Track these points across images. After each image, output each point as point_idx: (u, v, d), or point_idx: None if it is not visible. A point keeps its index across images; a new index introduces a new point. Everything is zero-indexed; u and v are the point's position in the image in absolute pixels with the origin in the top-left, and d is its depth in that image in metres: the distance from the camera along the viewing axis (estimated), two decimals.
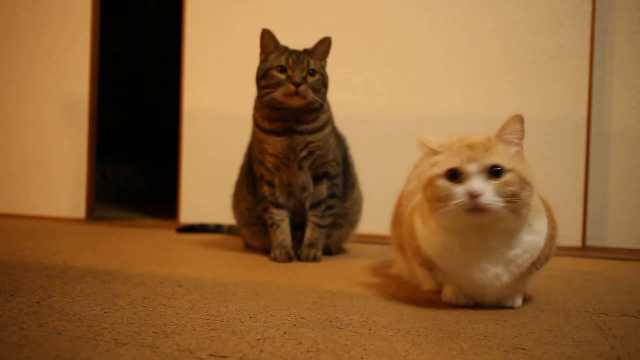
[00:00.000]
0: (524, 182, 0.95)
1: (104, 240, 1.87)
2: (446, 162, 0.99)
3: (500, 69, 2.12)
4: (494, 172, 0.95)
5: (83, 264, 1.39)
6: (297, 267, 1.49)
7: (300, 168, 1.60)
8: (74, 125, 2.58)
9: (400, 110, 2.21)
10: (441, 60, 2.18)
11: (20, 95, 2.65)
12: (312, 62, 1.57)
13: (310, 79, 1.55)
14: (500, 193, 0.94)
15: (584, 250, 2.00)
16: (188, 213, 2.49)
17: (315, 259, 1.59)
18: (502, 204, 0.93)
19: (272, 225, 1.64)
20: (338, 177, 1.66)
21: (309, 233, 1.63)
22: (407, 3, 2.21)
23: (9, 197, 2.67)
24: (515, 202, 0.94)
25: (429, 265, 1.10)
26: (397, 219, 1.29)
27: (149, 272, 1.31)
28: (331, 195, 1.66)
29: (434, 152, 1.03)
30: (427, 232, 1.06)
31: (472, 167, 0.95)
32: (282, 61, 1.55)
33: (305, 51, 1.61)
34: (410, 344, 0.82)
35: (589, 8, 2.03)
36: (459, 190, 0.95)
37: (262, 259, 1.61)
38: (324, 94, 1.61)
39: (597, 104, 2.06)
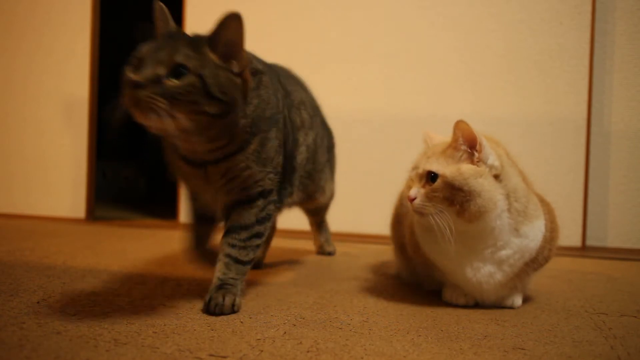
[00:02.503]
0: (452, 188, 0.97)
1: (104, 240, 1.87)
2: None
3: (500, 69, 2.12)
4: (431, 178, 1.00)
5: (83, 264, 1.39)
6: (295, 266, 1.49)
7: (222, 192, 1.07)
8: (74, 125, 2.58)
9: (400, 111, 2.21)
10: (441, 60, 2.18)
11: (20, 95, 2.65)
12: (181, 53, 0.88)
13: (169, 83, 0.86)
14: (429, 198, 0.99)
15: (584, 250, 2.00)
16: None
17: (231, 309, 0.98)
18: (432, 210, 0.98)
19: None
20: (274, 191, 1.10)
21: (221, 269, 1.03)
22: (407, 3, 2.21)
23: (9, 197, 2.67)
24: (451, 207, 0.97)
25: (428, 264, 1.11)
26: (397, 219, 1.30)
27: (149, 272, 1.31)
28: (262, 220, 1.07)
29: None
30: (421, 229, 1.08)
31: (413, 174, 1.05)
32: (139, 49, 0.91)
33: (183, 36, 0.94)
34: (410, 344, 0.82)
35: (589, 8, 2.03)
36: (410, 193, 1.04)
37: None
38: (217, 109, 0.91)
39: (597, 104, 2.06)
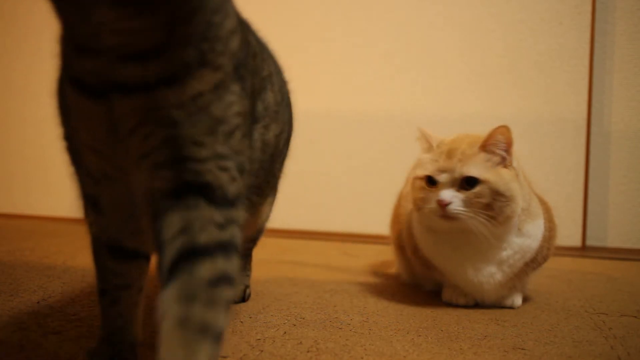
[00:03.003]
0: (496, 194, 0.98)
1: None
2: (426, 166, 1.05)
3: (500, 69, 2.12)
4: (468, 182, 0.99)
5: (83, 264, 1.39)
6: (295, 266, 1.49)
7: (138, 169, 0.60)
8: None
9: (400, 111, 2.21)
10: (441, 60, 2.18)
11: (21, 95, 2.65)
12: None
13: None
14: (470, 203, 0.98)
15: (584, 250, 2.00)
16: None
17: None
18: (471, 214, 0.97)
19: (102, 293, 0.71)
20: (240, 203, 0.62)
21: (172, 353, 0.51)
22: (407, 3, 2.21)
23: (9, 197, 2.67)
24: (487, 212, 0.97)
25: (427, 265, 1.11)
26: (397, 219, 1.30)
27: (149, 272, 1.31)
28: (226, 244, 0.58)
29: (426, 149, 1.09)
30: (422, 230, 1.08)
31: (443, 177, 1.01)
32: None
33: None
34: (410, 344, 0.82)
35: (589, 8, 2.03)
36: (432, 197, 1.00)
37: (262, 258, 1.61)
38: None
39: (597, 104, 2.06)
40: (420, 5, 2.20)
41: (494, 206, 0.97)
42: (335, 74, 2.27)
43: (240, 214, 0.61)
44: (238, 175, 0.61)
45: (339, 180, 2.20)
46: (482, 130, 1.10)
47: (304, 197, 2.20)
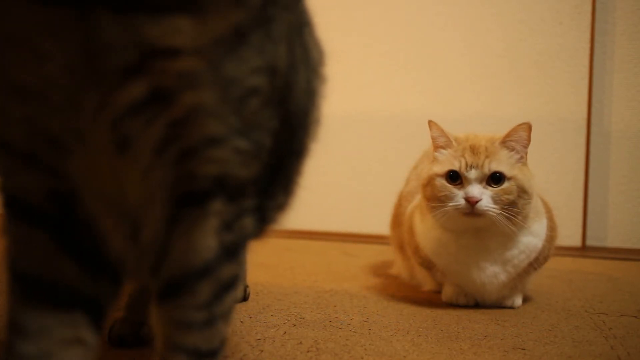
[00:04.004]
0: (522, 191, 0.97)
1: None
2: (447, 162, 1.00)
3: (500, 69, 2.12)
4: (494, 178, 0.97)
5: None
6: (295, 266, 1.49)
7: (123, 149, 0.42)
8: None
9: (400, 111, 2.21)
10: (441, 60, 2.18)
11: None
12: None
13: None
14: (498, 200, 0.96)
15: (584, 250, 2.00)
16: None
17: None
18: (498, 211, 0.96)
19: None
20: (251, 190, 0.50)
21: None
22: (407, 3, 2.21)
23: None
24: (512, 209, 0.96)
25: (428, 265, 1.11)
26: (397, 219, 1.30)
27: None
28: (230, 251, 0.49)
29: (444, 144, 1.04)
30: (425, 230, 1.07)
31: (472, 174, 0.97)
32: None
33: None
34: (410, 344, 0.82)
35: (589, 8, 2.03)
36: (458, 194, 0.97)
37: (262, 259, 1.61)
38: None
39: (597, 104, 2.06)
40: (420, 5, 2.20)
41: (517, 203, 0.97)
42: (334, 74, 2.26)
43: (249, 199, 0.50)
44: (251, 156, 0.47)
45: (338, 180, 2.20)
46: (482, 130, 1.10)
47: (304, 197, 2.20)
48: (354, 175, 2.21)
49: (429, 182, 1.02)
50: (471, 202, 0.95)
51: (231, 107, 0.42)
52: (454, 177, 0.99)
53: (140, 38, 0.37)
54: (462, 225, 1.00)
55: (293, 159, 0.60)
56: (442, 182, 0.99)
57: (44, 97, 0.38)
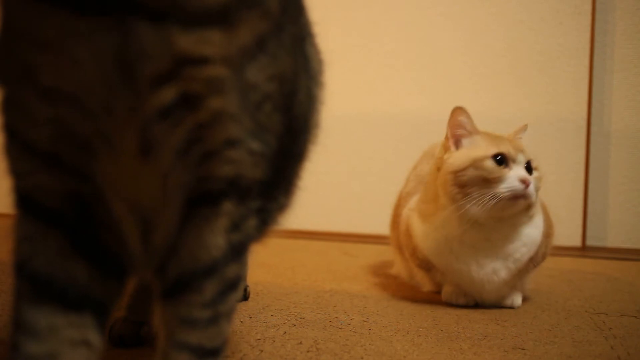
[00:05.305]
0: (540, 181, 1.04)
1: None
2: (486, 147, 1.00)
3: (500, 69, 2.12)
4: (528, 166, 1.01)
5: None
6: (295, 266, 1.49)
7: (148, 152, 0.43)
8: None
9: (400, 111, 2.21)
10: (441, 60, 2.18)
11: None
12: None
13: None
14: (537, 186, 1.01)
15: (584, 250, 2.00)
16: None
17: None
18: (536, 196, 1.01)
19: None
20: (256, 192, 0.51)
21: None
22: (407, 3, 2.21)
23: (9, 197, 2.67)
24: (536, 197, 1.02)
25: (427, 266, 1.11)
26: (397, 220, 1.30)
27: None
28: (236, 250, 0.50)
29: (471, 131, 1.05)
30: (426, 230, 1.07)
31: (521, 157, 1.00)
32: None
33: None
34: (410, 344, 0.82)
35: (589, 8, 2.03)
36: (512, 176, 0.96)
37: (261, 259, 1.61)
38: None
39: (597, 104, 2.06)
40: (421, 5, 2.20)
41: (538, 193, 1.02)
42: (334, 74, 2.26)
43: (254, 200, 0.51)
44: (258, 154, 0.48)
45: (339, 180, 2.20)
46: (482, 130, 1.10)
47: (304, 197, 2.20)
48: (354, 175, 2.21)
49: (473, 165, 0.97)
50: (526, 183, 0.96)
51: (249, 111, 0.45)
52: (501, 161, 0.97)
53: (174, 47, 0.39)
54: (499, 211, 0.96)
55: (294, 162, 0.62)
56: (492, 164, 0.97)
57: (76, 100, 0.40)
